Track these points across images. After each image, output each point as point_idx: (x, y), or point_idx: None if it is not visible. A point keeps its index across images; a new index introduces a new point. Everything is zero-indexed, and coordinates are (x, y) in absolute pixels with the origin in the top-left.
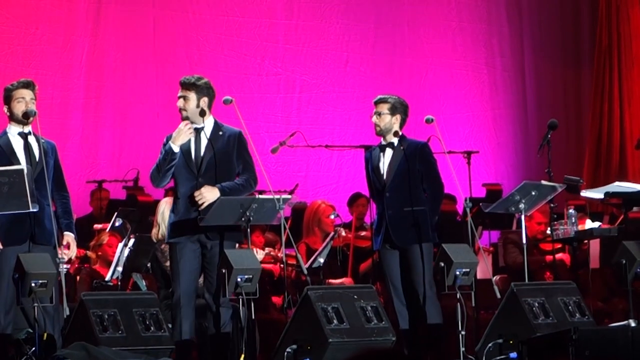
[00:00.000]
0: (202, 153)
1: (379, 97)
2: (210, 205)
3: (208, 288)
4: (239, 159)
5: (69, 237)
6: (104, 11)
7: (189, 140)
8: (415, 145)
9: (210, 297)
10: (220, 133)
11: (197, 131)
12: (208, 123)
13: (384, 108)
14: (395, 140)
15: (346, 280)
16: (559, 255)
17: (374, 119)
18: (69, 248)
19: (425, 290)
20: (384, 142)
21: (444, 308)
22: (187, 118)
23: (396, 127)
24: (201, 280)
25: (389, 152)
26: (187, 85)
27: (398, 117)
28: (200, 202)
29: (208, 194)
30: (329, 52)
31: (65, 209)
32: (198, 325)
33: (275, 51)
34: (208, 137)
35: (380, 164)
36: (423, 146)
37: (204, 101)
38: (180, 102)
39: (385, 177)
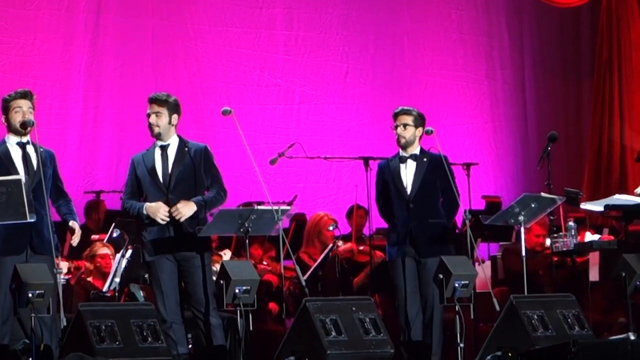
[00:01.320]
0: (169, 170)
1: (401, 108)
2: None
3: (191, 303)
4: (207, 173)
5: (74, 223)
6: (102, 22)
7: (154, 159)
8: (435, 157)
9: (198, 312)
10: (186, 149)
11: (164, 148)
12: (173, 140)
13: (409, 120)
14: (417, 152)
15: (353, 245)
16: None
17: (399, 130)
18: (74, 233)
19: (436, 305)
20: (404, 154)
21: (443, 320)
22: (159, 134)
23: (418, 139)
24: None
25: (411, 163)
26: (160, 102)
27: (420, 129)
28: (177, 218)
29: (184, 209)
30: (328, 63)
31: (70, 209)
32: (195, 337)
33: (275, 62)
34: (174, 153)
35: (403, 175)
36: (443, 158)
37: (174, 118)
38: (153, 119)
39: (409, 188)
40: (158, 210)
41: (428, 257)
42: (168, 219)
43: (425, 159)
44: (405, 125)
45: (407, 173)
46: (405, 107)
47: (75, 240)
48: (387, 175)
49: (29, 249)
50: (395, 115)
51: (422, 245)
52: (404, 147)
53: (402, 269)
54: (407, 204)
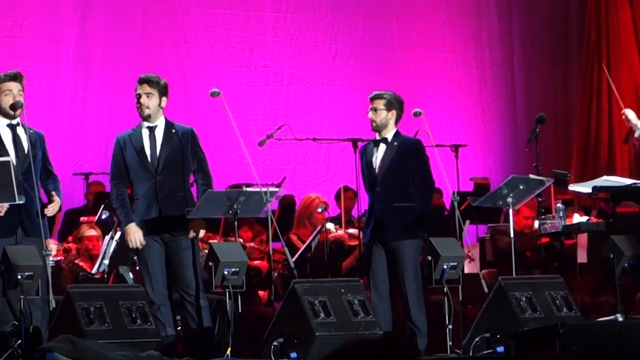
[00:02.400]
0: (158, 152)
1: (374, 93)
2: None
3: (179, 285)
4: (193, 156)
5: (56, 197)
6: (91, 3)
7: (142, 140)
8: (409, 141)
9: (185, 294)
10: (173, 131)
11: (151, 130)
12: (160, 122)
13: (380, 104)
14: (390, 136)
15: (345, 235)
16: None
17: (370, 114)
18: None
19: (408, 289)
20: (378, 137)
21: (431, 302)
22: (148, 116)
23: (392, 123)
24: None
25: (382, 147)
26: (151, 83)
27: (394, 112)
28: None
29: (198, 230)
30: (317, 44)
31: (56, 187)
32: (183, 320)
33: (264, 44)
34: (162, 135)
35: (374, 159)
36: (417, 143)
37: (164, 100)
38: (144, 99)
39: (377, 171)
40: (134, 235)
41: (394, 241)
42: (140, 246)
43: (396, 143)
44: (376, 110)
45: (378, 157)
46: (378, 92)
47: (49, 210)
48: (364, 159)
49: (21, 231)
50: (370, 99)
51: (387, 229)
52: (378, 131)
53: (369, 253)
54: (374, 187)
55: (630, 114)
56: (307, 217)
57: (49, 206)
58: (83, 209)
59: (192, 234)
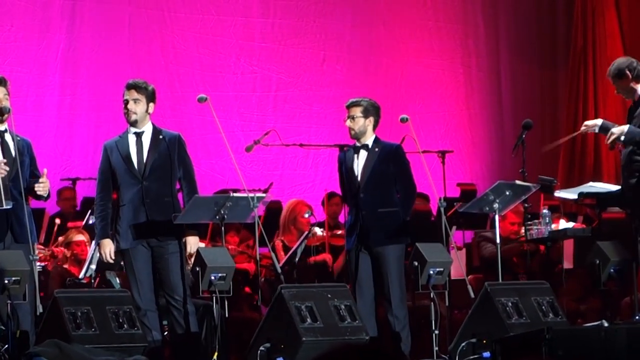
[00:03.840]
0: (144, 157)
1: (350, 100)
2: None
3: (165, 289)
4: (180, 162)
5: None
6: (79, 9)
7: (129, 146)
8: (389, 147)
9: (171, 299)
10: (161, 137)
11: (138, 135)
12: (148, 128)
13: (357, 111)
14: (370, 142)
15: (327, 256)
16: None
17: (348, 122)
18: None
19: (392, 294)
20: (358, 144)
21: (418, 307)
22: (135, 121)
23: (370, 130)
24: None
25: (363, 153)
26: (139, 89)
27: (371, 119)
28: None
29: (193, 247)
30: (305, 50)
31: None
32: (170, 325)
33: (251, 49)
34: (149, 141)
35: (355, 166)
36: (397, 148)
37: (151, 107)
38: (132, 105)
39: (359, 178)
40: (104, 250)
41: (379, 247)
42: (111, 260)
43: (377, 149)
44: (353, 118)
45: (359, 163)
46: (355, 99)
47: (40, 187)
48: (343, 166)
49: (11, 237)
50: (347, 107)
51: (372, 235)
52: (356, 138)
53: (355, 260)
54: (357, 194)
55: (588, 123)
56: (291, 222)
57: (39, 183)
58: (58, 214)
59: (189, 249)
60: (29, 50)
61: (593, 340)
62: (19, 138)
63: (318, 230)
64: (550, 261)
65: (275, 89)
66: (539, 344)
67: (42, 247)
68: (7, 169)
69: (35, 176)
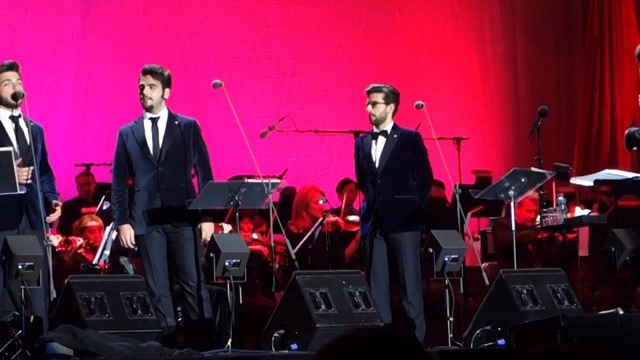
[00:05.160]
0: (160, 143)
1: (372, 86)
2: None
3: (179, 275)
4: (195, 147)
5: (56, 203)
6: None
7: (144, 131)
8: (407, 134)
9: (185, 284)
10: (176, 122)
11: (154, 121)
12: (163, 113)
13: (379, 97)
14: (389, 129)
15: (340, 219)
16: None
17: (369, 108)
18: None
19: (408, 280)
20: (376, 130)
21: (432, 294)
22: (151, 107)
23: (390, 116)
24: None
25: (381, 140)
26: (155, 75)
27: (392, 105)
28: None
29: (208, 233)
30: (320, 36)
31: (52, 187)
32: (184, 311)
33: (267, 35)
34: (165, 126)
35: (373, 152)
36: (415, 135)
37: (167, 92)
38: (148, 90)
39: (377, 164)
40: (124, 235)
41: (395, 233)
42: (131, 246)
43: (395, 136)
44: (375, 104)
45: (377, 149)
46: (377, 85)
47: (51, 219)
48: (360, 152)
49: (27, 222)
50: (367, 93)
51: (388, 221)
52: (376, 124)
53: (370, 246)
54: (374, 180)
55: None
56: (304, 208)
57: (50, 215)
58: (76, 200)
59: (204, 235)
60: (44, 35)
61: (608, 328)
62: (32, 124)
63: (331, 217)
64: (566, 249)
65: (290, 74)
66: (554, 332)
67: (55, 234)
68: (28, 177)
69: (45, 165)
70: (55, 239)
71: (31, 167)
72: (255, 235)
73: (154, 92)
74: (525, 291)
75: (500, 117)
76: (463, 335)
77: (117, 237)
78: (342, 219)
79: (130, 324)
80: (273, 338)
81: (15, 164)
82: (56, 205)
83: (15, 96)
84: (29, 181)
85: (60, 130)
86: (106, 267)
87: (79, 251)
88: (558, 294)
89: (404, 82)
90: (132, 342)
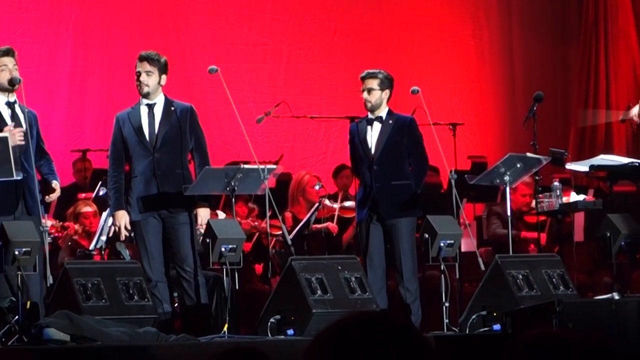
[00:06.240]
0: (156, 129)
1: (366, 72)
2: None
3: (175, 261)
4: (191, 133)
5: (56, 184)
6: None
7: (141, 118)
8: (403, 119)
9: (182, 270)
10: (172, 108)
11: (150, 107)
12: (160, 99)
13: (374, 84)
14: (384, 114)
15: (330, 225)
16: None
17: (365, 95)
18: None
19: (405, 266)
20: (371, 116)
21: (428, 279)
22: (147, 93)
23: (385, 102)
24: None
25: (377, 125)
26: (151, 61)
27: (387, 91)
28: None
29: (204, 216)
30: (316, 22)
31: (51, 169)
32: (180, 297)
33: (263, 21)
34: (161, 112)
35: (368, 137)
36: (411, 121)
37: (163, 78)
38: (144, 77)
39: (373, 150)
40: (119, 221)
41: (391, 219)
42: (126, 232)
43: (391, 121)
44: (370, 90)
45: (373, 135)
46: (372, 70)
47: (51, 197)
48: (355, 137)
49: (24, 208)
50: (362, 79)
51: (385, 207)
52: (371, 111)
53: (366, 231)
54: (370, 166)
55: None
56: (300, 194)
57: (51, 195)
58: (72, 186)
59: (200, 221)
60: (41, 21)
61: (604, 313)
62: (27, 110)
63: (327, 202)
64: (561, 234)
65: (286, 60)
66: (550, 317)
67: (54, 220)
68: (23, 138)
69: (41, 150)
70: (49, 224)
71: (21, 129)
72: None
73: (151, 79)
74: (520, 276)
75: (495, 102)
76: (459, 321)
77: (113, 223)
78: (339, 206)
79: (127, 310)
80: (269, 323)
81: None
82: (56, 185)
83: (12, 82)
84: (23, 142)
85: (57, 116)
86: (102, 252)
87: (74, 237)
88: (553, 279)
89: (399, 68)
90: (128, 328)
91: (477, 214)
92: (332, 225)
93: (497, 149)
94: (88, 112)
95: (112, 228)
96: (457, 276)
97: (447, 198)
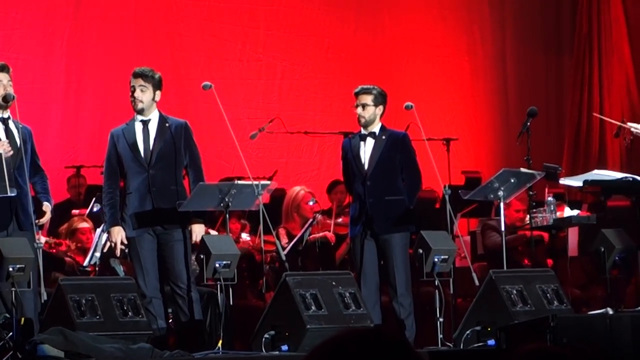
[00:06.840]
0: (151, 145)
1: (360, 87)
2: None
3: (170, 277)
4: (186, 149)
5: (47, 206)
6: None
7: (135, 134)
8: (396, 135)
9: (176, 286)
10: (167, 124)
11: (145, 123)
12: (154, 115)
13: (368, 99)
14: (377, 130)
15: (328, 234)
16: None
17: (359, 110)
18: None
19: (398, 281)
20: (364, 132)
21: (422, 295)
22: (142, 110)
23: (378, 118)
24: None
25: (370, 141)
26: (146, 77)
27: (381, 107)
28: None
29: (198, 235)
30: (310, 38)
31: (45, 187)
32: (175, 313)
33: (256, 36)
34: (155, 129)
35: (362, 153)
36: (404, 136)
37: (158, 94)
38: (138, 93)
39: (366, 166)
40: (115, 237)
41: (385, 234)
42: (122, 247)
43: (384, 137)
44: (364, 106)
45: (366, 151)
46: (365, 87)
47: (41, 222)
48: (349, 153)
49: (16, 224)
50: (356, 95)
51: (379, 223)
52: (365, 126)
53: (360, 247)
54: (364, 181)
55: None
56: (295, 210)
57: (40, 219)
58: (66, 202)
59: (194, 237)
60: (35, 36)
61: (598, 328)
62: (20, 126)
63: (321, 218)
64: (555, 249)
65: (280, 76)
66: (544, 332)
67: (48, 237)
68: (10, 149)
69: (35, 166)
70: (44, 240)
71: (6, 140)
72: (244, 235)
73: (145, 95)
74: (515, 291)
75: (489, 117)
76: (453, 336)
77: (107, 239)
78: (334, 221)
79: (121, 326)
80: (263, 339)
81: (6, 166)
82: (46, 207)
83: (5, 98)
84: (10, 153)
85: (51, 132)
86: (96, 269)
87: (68, 253)
88: (548, 294)
89: (393, 83)
90: (122, 344)
91: (471, 229)
92: (330, 235)
93: (491, 164)
94: (82, 128)
95: (107, 244)
96: (452, 291)
97: (441, 213)
